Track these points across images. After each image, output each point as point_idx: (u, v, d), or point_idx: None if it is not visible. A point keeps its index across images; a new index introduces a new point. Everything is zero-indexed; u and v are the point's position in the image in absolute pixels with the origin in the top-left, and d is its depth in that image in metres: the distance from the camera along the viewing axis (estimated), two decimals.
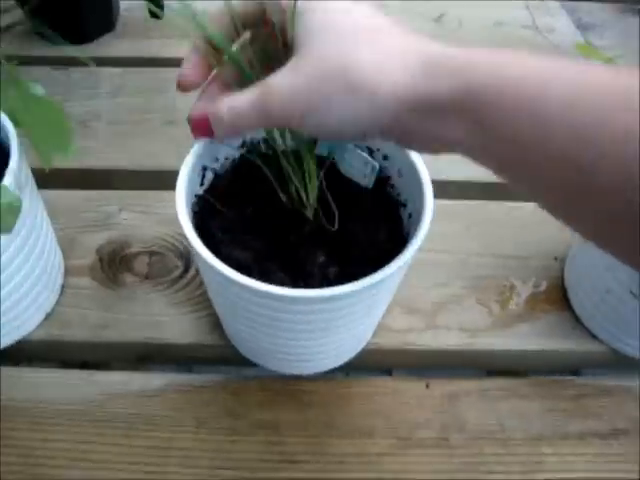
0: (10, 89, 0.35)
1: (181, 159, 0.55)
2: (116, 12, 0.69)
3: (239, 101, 0.30)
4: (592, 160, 0.23)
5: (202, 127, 0.33)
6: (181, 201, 0.35)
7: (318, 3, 0.30)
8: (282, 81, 0.29)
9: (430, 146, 0.30)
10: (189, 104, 0.60)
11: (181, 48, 0.66)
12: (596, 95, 0.23)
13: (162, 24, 0.65)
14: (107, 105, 0.61)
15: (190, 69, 0.35)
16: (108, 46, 0.67)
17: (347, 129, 0.29)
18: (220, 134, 0.33)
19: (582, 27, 0.75)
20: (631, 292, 0.42)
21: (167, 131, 0.59)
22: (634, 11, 0.79)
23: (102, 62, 0.65)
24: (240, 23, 0.34)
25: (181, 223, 0.34)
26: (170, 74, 0.64)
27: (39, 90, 0.35)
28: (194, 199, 0.38)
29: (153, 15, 0.62)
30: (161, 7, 0.63)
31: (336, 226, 0.36)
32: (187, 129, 0.58)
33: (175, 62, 0.64)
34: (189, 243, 0.33)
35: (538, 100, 0.24)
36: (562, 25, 0.75)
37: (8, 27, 0.67)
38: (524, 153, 0.25)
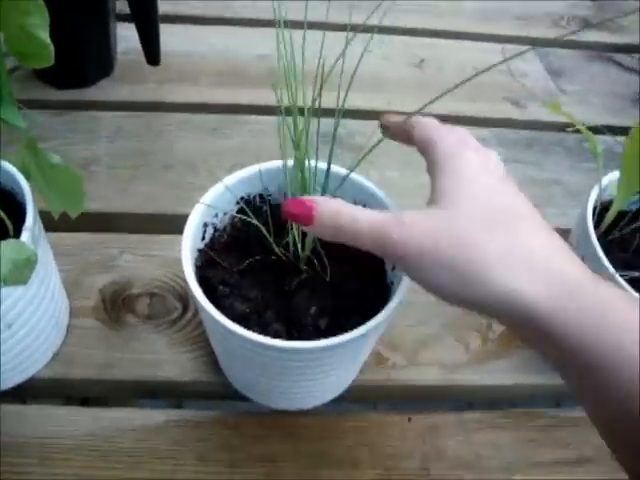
0: (28, 157, 0.38)
1: (178, 203, 0.59)
2: (114, 56, 0.72)
3: (364, 216, 0.31)
4: None
5: (302, 213, 0.32)
6: (186, 258, 0.38)
7: (470, 169, 0.32)
8: (415, 220, 0.30)
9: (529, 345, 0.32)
10: (186, 149, 0.65)
11: (178, 93, 0.70)
12: None
13: (160, 68, 0.69)
14: (107, 149, 0.64)
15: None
16: (106, 90, 0.70)
17: (444, 297, 0.31)
18: (323, 229, 0.32)
19: (553, 72, 0.80)
20: None
21: (165, 175, 0.62)
22: (602, 57, 0.84)
23: (101, 106, 0.68)
24: None
25: (187, 279, 0.37)
26: (167, 118, 0.68)
27: (57, 159, 0.38)
28: (196, 253, 0.41)
29: (151, 63, 0.66)
30: (157, 53, 0.66)
31: (328, 278, 0.40)
32: (183, 174, 0.62)
33: (172, 107, 0.68)
34: (195, 298, 0.37)
35: None
36: (534, 70, 0.80)
37: (9, 71, 0.70)
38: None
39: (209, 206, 0.42)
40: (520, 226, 0.30)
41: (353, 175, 0.44)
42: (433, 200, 0.32)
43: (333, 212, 0.31)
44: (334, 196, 0.44)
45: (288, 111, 0.37)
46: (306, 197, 0.32)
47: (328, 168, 0.39)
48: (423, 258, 0.30)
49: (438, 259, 0.29)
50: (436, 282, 0.30)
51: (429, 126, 0.36)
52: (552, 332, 0.28)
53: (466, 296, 0.29)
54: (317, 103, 0.35)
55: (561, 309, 0.28)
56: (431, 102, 0.32)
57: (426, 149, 0.35)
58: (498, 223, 0.30)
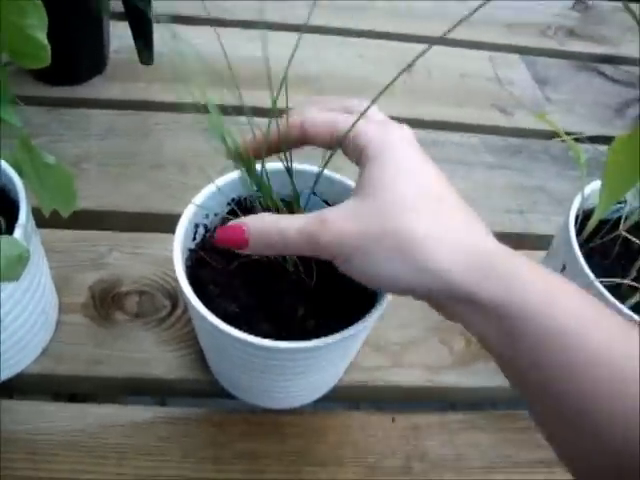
0: (22, 155, 0.39)
1: (168, 203, 0.59)
2: (106, 54, 0.72)
3: (289, 225, 0.32)
4: (605, 420, 0.26)
5: (233, 238, 0.33)
6: (178, 257, 0.39)
7: (392, 155, 0.32)
8: (338, 217, 0.31)
9: (456, 321, 0.32)
10: (176, 148, 0.65)
11: (170, 92, 0.71)
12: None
13: (152, 67, 0.69)
14: (98, 147, 0.64)
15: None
16: (98, 88, 0.70)
17: (385, 284, 0.32)
18: (257, 249, 0.33)
19: (540, 81, 0.81)
20: None
21: (155, 175, 0.62)
22: (588, 67, 0.85)
23: (92, 104, 0.68)
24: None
25: (178, 278, 0.38)
26: (158, 118, 0.69)
27: (50, 159, 0.39)
28: (187, 253, 0.42)
29: (144, 62, 0.66)
30: (151, 52, 0.66)
31: (309, 282, 0.41)
32: (174, 173, 0.62)
33: (164, 106, 0.69)
34: (185, 297, 0.37)
35: (571, 349, 0.27)
36: (521, 78, 0.81)
37: (2, 66, 0.70)
38: (545, 383, 0.28)
39: (200, 207, 0.42)
40: (441, 207, 0.31)
41: (344, 179, 0.44)
42: (357, 190, 0.33)
43: (260, 230, 0.32)
44: (324, 200, 0.45)
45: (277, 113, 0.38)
46: (235, 221, 0.33)
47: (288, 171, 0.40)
48: (353, 255, 0.31)
49: (368, 253, 0.30)
50: (370, 275, 0.31)
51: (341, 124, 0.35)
52: (470, 299, 0.29)
53: (399, 282, 0.30)
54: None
55: (476, 277, 0.29)
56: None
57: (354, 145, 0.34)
58: (420, 206, 0.30)
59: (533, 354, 0.28)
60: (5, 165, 0.43)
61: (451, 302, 0.30)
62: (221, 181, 0.44)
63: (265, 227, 0.32)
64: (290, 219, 0.32)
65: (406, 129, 0.35)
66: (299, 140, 0.37)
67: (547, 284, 0.29)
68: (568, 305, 0.28)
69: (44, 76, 0.69)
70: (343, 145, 0.35)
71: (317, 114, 0.36)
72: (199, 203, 0.42)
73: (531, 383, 0.29)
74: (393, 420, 0.49)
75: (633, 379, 0.26)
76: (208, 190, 0.43)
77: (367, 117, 0.34)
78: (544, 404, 0.29)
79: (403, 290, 0.31)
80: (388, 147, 0.33)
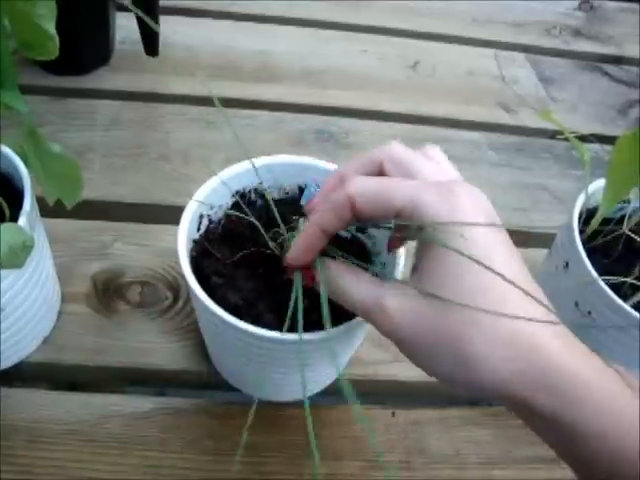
0: (28, 143, 0.39)
1: (172, 194, 0.59)
2: (112, 45, 0.72)
3: (351, 290, 0.32)
4: None
5: (305, 274, 0.35)
6: (182, 248, 0.39)
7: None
8: (397, 310, 0.30)
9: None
10: (181, 140, 0.65)
11: (175, 84, 0.71)
12: None
13: (158, 59, 0.69)
14: (102, 137, 0.64)
15: (299, 254, 0.35)
16: (104, 79, 0.70)
17: (445, 383, 0.32)
18: (320, 289, 0.34)
19: (544, 80, 0.81)
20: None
21: (160, 166, 0.62)
22: (592, 67, 0.85)
23: (98, 95, 0.68)
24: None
25: (182, 268, 0.38)
26: (164, 109, 0.69)
27: (56, 148, 0.39)
28: (191, 244, 0.42)
29: (149, 53, 0.66)
30: (156, 48, 0.67)
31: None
32: (178, 165, 0.62)
33: (169, 98, 0.69)
34: (189, 287, 0.37)
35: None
36: (525, 77, 0.81)
37: (8, 51, 0.70)
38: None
39: (204, 200, 0.42)
40: (506, 304, 0.29)
41: None
42: (418, 274, 0.31)
43: (329, 279, 0.33)
44: None
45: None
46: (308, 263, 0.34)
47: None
48: (413, 349, 0.31)
49: (429, 351, 0.30)
50: (431, 371, 0.31)
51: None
52: (525, 406, 0.29)
53: (464, 383, 0.30)
54: None
55: (531, 389, 0.28)
56: None
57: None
58: (484, 305, 0.28)
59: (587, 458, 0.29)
60: (10, 153, 0.43)
61: (518, 411, 0.31)
62: (225, 173, 0.44)
63: (333, 281, 0.33)
64: (353, 284, 0.32)
65: (473, 190, 0.31)
66: (352, 218, 0.32)
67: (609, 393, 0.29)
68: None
69: (50, 66, 0.69)
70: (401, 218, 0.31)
71: (366, 182, 0.32)
72: (203, 196, 0.42)
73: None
74: (393, 415, 0.49)
75: None
76: (213, 182, 0.43)
77: (421, 174, 0.32)
78: None
79: (458, 391, 0.32)
80: (468, 240, 0.29)
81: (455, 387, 0.31)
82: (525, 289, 0.28)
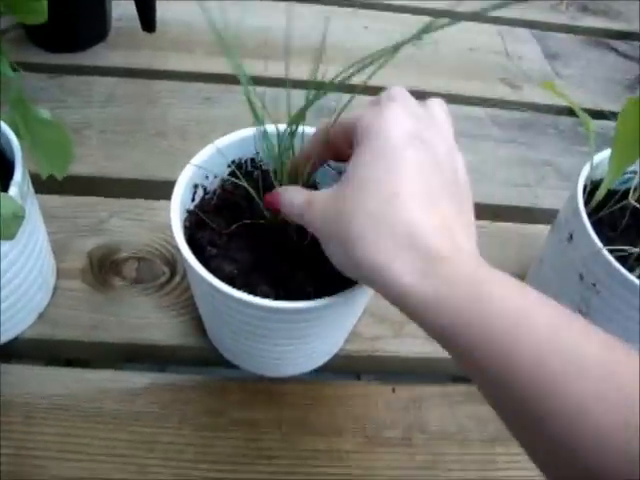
0: (18, 109, 0.38)
1: (169, 170, 0.58)
2: (109, 22, 0.71)
3: (295, 196, 0.35)
4: (543, 414, 0.25)
5: (271, 202, 0.37)
6: (175, 217, 0.38)
7: (370, 141, 0.32)
8: (319, 201, 0.33)
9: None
10: (178, 117, 0.64)
11: (172, 61, 0.70)
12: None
13: (154, 36, 0.68)
14: (99, 114, 0.63)
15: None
16: (100, 55, 0.69)
17: (338, 268, 0.33)
18: (284, 214, 0.37)
19: (550, 55, 0.80)
20: (580, 310, 0.46)
21: (157, 142, 0.61)
22: (599, 43, 0.84)
23: (94, 71, 0.67)
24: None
25: (175, 237, 0.37)
26: (161, 86, 0.68)
27: (46, 114, 0.38)
28: (185, 214, 0.41)
29: (146, 29, 0.65)
30: (153, 23, 0.66)
31: (306, 243, 0.40)
32: (175, 141, 0.61)
33: (166, 74, 0.68)
34: (182, 257, 0.37)
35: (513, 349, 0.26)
36: (531, 52, 0.80)
37: (2, 32, 0.69)
38: (489, 386, 0.28)
39: (200, 167, 0.41)
40: (392, 203, 0.30)
41: None
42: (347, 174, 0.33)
43: (283, 199, 0.36)
44: (329, 164, 0.44)
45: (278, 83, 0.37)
46: (276, 190, 0.37)
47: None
48: (320, 234, 0.33)
49: (327, 233, 0.32)
50: (329, 254, 0.33)
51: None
52: (420, 313, 0.29)
53: (349, 268, 0.31)
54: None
55: (429, 291, 0.28)
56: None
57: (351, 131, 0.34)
58: (376, 192, 0.30)
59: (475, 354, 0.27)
60: (2, 124, 0.43)
61: (398, 303, 0.30)
62: (221, 142, 0.43)
63: (286, 198, 0.36)
64: (298, 194, 0.35)
65: (398, 109, 0.33)
66: (330, 147, 0.37)
67: (521, 299, 0.27)
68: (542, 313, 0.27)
69: (46, 43, 0.68)
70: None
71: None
72: (199, 162, 0.41)
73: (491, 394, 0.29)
74: (393, 391, 0.48)
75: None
76: (208, 150, 0.42)
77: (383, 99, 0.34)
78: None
79: (356, 277, 0.32)
80: (372, 131, 0.32)
81: (348, 273, 0.32)
82: (425, 193, 0.30)
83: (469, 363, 0.28)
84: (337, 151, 0.37)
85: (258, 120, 0.39)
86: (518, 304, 0.27)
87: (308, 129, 0.40)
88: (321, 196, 0.33)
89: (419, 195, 0.30)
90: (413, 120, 0.32)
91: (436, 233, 0.29)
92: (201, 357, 0.49)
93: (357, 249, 0.29)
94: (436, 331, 0.29)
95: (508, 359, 0.26)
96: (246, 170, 0.44)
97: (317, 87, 0.34)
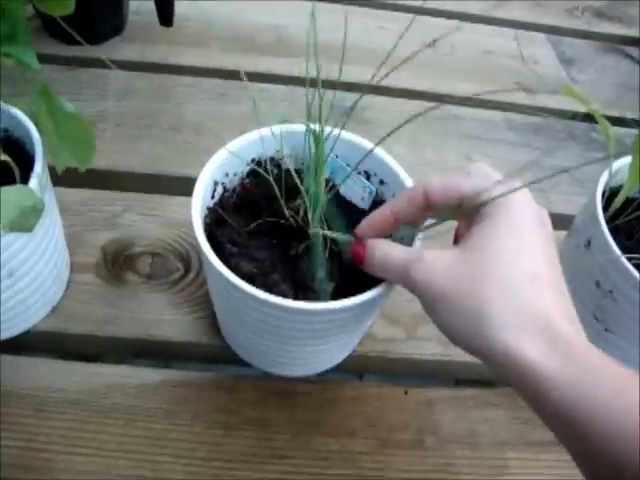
0: (41, 103, 0.37)
1: (183, 165, 0.58)
2: (126, 15, 0.71)
3: (392, 250, 0.35)
4: None
5: (358, 251, 0.37)
6: (196, 214, 0.38)
7: (507, 217, 0.32)
8: (434, 261, 0.32)
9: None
10: (193, 112, 0.64)
11: (189, 56, 0.70)
12: None
13: (171, 30, 0.68)
14: (114, 107, 0.63)
15: (368, 227, 0.38)
16: (116, 49, 0.69)
17: (454, 341, 0.32)
18: (368, 266, 0.36)
19: (565, 61, 0.80)
20: (595, 316, 0.46)
21: (171, 137, 0.61)
22: (614, 49, 0.84)
23: (110, 65, 0.67)
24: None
25: (196, 234, 0.37)
26: (176, 80, 0.68)
27: (70, 107, 0.37)
28: (205, 211, 0.41)
29: (164, 24, 0.65)
30: (171, 18, 0.65)
31: (327, 250, 0.40)
32: (190, 136, 0.61)
33: (182, 69, 0.68)
34: (203, 254, 0.36)
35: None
36: (546, 57, 0.80)
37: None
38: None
39: (221, 165, 0.41)
40: (534, 285, 0.30)
41: (366, 143, 0.44)
42: (463, 241, 0.33)
43: (373, 248, 0.36)
44: (348, 165, 0.44)
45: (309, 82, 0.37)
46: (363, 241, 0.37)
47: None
48: (436, 303, 0.32)
49: (449, 302, 0.31)
50: (447, 327, 0.32)
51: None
52: (549, 395, 0.29)
53: (472, 346, 0.31)
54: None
55: (560, 374, 0.28)
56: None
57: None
58: (511, 280, 0.30)
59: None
60: (22, 115, 0.42)
61: (526, 388, 0.30)
62: (242, 140, 0.43)
63: (375, 251, 0.35)
64: (397, 247, 0.35)
65: (526, 191, 0.33)
66: (424, 209, 0.36)
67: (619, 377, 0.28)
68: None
69: (62, 35, 0.68)
70: (464, 207, 0.34)
71: (438, 180, 0.35)
72: (220, 162, 0.41)
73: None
74: (406, 393, 0.48)
75: None
76: (229, 148, 0.42)
77: (487, 176, 0.34)
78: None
79: (477, 355, 0.31)
80: (506, 208, 0.32)
81: (466, 345, 0.31)
82: (554, 278, 0.31)
83: (585, 445, 0.28)
84: (433, 209, 0.36)
85: (308, 119, 0.38)
86: None
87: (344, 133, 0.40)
88: (439, 254, 0.32)
89: (553, 281, 0.31)
90: (535, 204, 0.33)
91: (567, 323, 0.30)
92: (213, 354, 0.49)
93: (493, 326, 0.29)
94: (560, 411, 0.29)
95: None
96: (265, 169, 0.44)
97: (348, 88, 0.34)
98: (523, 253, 0.31)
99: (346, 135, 0.44)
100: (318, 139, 0.36)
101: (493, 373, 0.32)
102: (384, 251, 0.35)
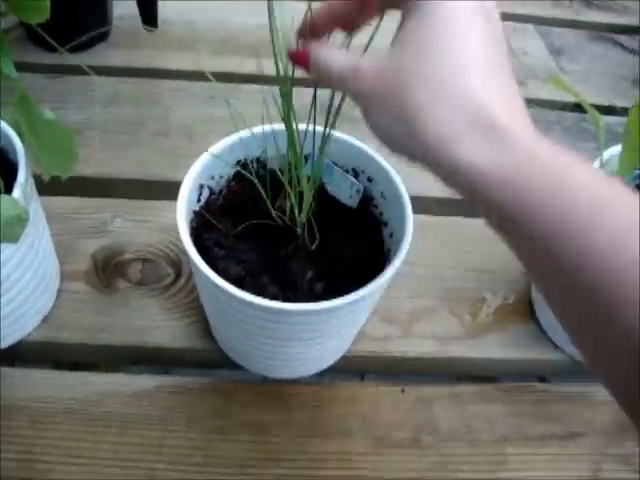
0: (21, 109, 0.37)
1: (172, 170, 0.58)
2: (110, 21, 0.70)
3: (334, 61, 0.31)
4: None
5: (301, 59, 0.33)
6: (181, 218, 0.37)
7: (438, 9, 0.28)
8: (368, 70, 0.29)
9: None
10: (181, 116, 0.64)
11: (175, 60, 0.69)
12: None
13: (156, 35, 0.68)
14: (100, 114, 0.63)
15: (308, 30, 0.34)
16: (102, 55, 0.69)
17: (390, 145, 0.30)
18: (312, 72, 0.33)
19: (554, 51, 0.79)
20: None
21: (159, 142, 0.61)
22: (604, 38, 0.83)
23: (95, 71, 0.67)
24: None
25: (182, 239, 0.36)
26: (162, 85, 0.67)
27: (50, 115, 0.37)
28: (191, 215, 0.41)
29: (147, 24, 0.65)
30: (155, 19, 0.65)
31: (315, 244, 0.40)
32: (178, 141, 0.61)
33: (168, 74, 0.67)
34: (189, 259, 0.36)
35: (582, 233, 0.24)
36: (535, 48, 0.79)
37: (3, 32, 0.68)
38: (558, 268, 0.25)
39: (206, 168, 0.41)
40: (465, 77, 0.27)
41: (354, 141, 0.43)
42: (394, 40, 0.30)
43: (316, 56, 0.32)
44: (335, 163, 0.43)
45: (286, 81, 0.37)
46: (305, 46, 0.33)
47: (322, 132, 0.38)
48: (369, 105, 0.29)
49: (380, 104, 0.29)
50: (377, 127, 0.30)
51: None
52: (490, 199, 0.26)
53: (408, 147, 0.28)
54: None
55: (495, 169, 0.26)
56: None
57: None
58: (440, 77, 0.27)
59: (545, 240, 0.25)
60: (5, 126, 0.42)
61: (467, 190, 0.27)
62: (226, 142, 0.42)
63: (321, 57, 0.32)
64: (339, 56, 0.31)
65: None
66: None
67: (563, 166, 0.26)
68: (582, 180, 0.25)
69: (47, 43, 0.67)
70: None
71: None
72: (204, 163, 0.41)
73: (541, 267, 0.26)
74: (402, 391, 0.48)
75: None
76: (214, 150, 0.41)
77: None
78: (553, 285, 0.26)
79: (404, 153, 0.29)
80: None
81: (397, 147, 0.29)
82: (491, 67, 0.27)
83: (535, 250, 0.26)
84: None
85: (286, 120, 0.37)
86: (601, 192, 0.25)
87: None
88: (371, 64, 0.29)
89: (488, 70, 0.28)
90: None
91: (506, 112, 0.27)
92: (207, 359, 0.48)
93: (418, 122, 0.27)
94: (502, 214, 0.26)
95: (583, 244, 0.24)
96: (251, 170, 0.44)
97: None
98: (453, 47, 0.28)
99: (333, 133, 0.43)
100: (292, 136, 0.36)
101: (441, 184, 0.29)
102: (326, 58, 0.31)
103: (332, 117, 0.38)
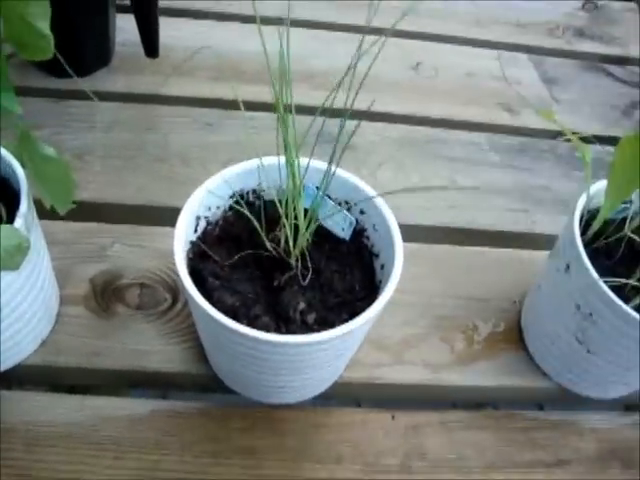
0: (22, 145, 0.38)
1: (170, 196, 0.59)
2: (112, 46, 0.72)
3: None
4: None
5: None
6: (178, 249, 0.38)
7: None
8: None
9: None
10: (180, 142, 0.65)
11: (175, 86, 0.71)
12: None
13: (157, 61, 0.69)
14: (101, 139, 0.64)
15: None
16: (103, 80, 0.70)
17: None
18: None
19: (547, 80, 0.81)
20: (577, 338, 0.47)
21: (158, 168, 0.62)
22: (596, 68, 0.85)
23: (97, 96, 0.68)
24: None
25: (178, 270, 0.37)
26: (163, 111, 0.68)
27: (50, 151, 0.38)
28: (188, 245, 0.42)
29: (149, 55, 0.66)
30: (156, 49, 0.66)
31: (307, 280, 0.41)
32: (177, 167, 0.62)
33: (169, 100, 0.69)
34: (184, 289, 0.37)
35: None
36: (528, 78, 0.81)
37: (6, 57, 0.70)
38: None
39: (201, 202, 0.42)
40: None
41: (346, 174, 0.44)
42: None
43: None
44: (328, 195, 0.44)
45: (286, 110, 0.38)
46: None
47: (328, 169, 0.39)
48: None
49: None
50: None
51: None
52: None
53: None
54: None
55: None
56: None
57: None
58: None
59: None
60: (8, 155, 0.43)
61: None
62: (224, 174, 0.43)
63: None
64: None
65: None
66: None
67: None
68: None
69: (48, 68, 0.69)
70: None
71: None
72: (202, 195, 0.42)
73: None
74: (393, 418, 0.49)
75: None
76: (211, 182, 0.43)
77: None
78: None
79: None
80: None
81: None
82: None
83: None
84: None
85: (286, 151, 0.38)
86: None
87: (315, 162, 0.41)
88: None
89: None
90: None
91: None
92: (202, 384, 0.49)
93: None
94: None
95: None
96: (247, 201, 0.45)
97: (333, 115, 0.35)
98: None
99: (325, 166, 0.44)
100: (293, 170, 0.37)
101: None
102: None
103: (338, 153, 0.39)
